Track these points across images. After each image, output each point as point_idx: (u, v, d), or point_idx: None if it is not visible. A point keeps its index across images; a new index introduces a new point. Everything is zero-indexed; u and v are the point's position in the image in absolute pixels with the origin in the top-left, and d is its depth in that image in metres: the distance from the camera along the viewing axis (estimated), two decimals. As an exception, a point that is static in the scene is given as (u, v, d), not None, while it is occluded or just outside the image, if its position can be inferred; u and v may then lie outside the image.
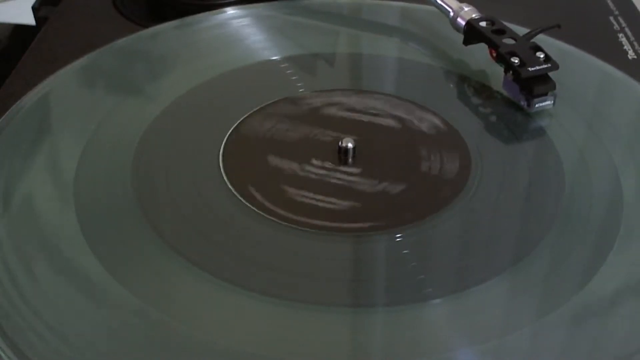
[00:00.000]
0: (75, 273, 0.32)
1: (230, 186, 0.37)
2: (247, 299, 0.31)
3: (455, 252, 0.34)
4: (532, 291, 0.32)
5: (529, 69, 0.41)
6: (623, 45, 0.50)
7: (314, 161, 0.38)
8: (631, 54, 0.49)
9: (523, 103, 0.42)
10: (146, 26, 0.49)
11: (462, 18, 0.45)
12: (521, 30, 0.44)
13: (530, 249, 0.33)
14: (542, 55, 0.41)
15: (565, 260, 0.33)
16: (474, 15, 0.45)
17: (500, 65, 0.42)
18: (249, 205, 0.35)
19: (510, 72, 0.42)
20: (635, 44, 0.50)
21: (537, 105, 0.41)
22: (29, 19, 0.54)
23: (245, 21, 0.50)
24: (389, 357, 0.30)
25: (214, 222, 0.35)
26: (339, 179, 0.38)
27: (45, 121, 0.41)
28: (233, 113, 0.41)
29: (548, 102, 0.41)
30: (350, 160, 0.38)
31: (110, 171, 0.37)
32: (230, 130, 0.40)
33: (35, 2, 0.53)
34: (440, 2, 0.47)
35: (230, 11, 0.51)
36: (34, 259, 0.33)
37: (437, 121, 0.41)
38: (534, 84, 0.41)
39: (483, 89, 0.44)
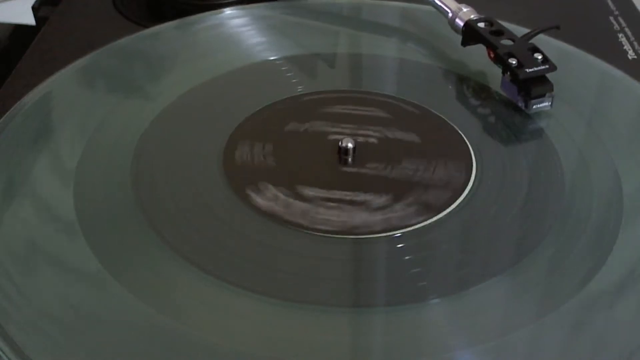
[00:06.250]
0: (75, 273, 0.32)
1: (230, 186, 0.37)
2: (247, 299, 0.31)
3: (455, 252, 0.34)
4: (532, 291, 0.32)
5: (527, 70, 0.41)
6: (623, 45, 0.50)
7: (314, 161, 0.38)
8: (631, 54, 0.49)
9: (521, 104, 0.42)
10: (146, 26, 0.50)
11: (461, 19, 0.45)
12: (520, 31, 0.44)
13: (530, 249, 0.33)
14: (540, 57, 0.41)
15: (565, 260, 0.33)
16: (472, 16, 0.45)
17: (498, 67, 0.42)
18: (249, 205, 0.35)
19: (508, 73, 0.42)
20: (635, 44, 0.50)
21: (534, 107, 0.41)
22: (29, 19, 0.54)
23: (244, 21, 0.50)
24: (389, 357, 0.30)
25: (214, 222, 0.35)
26: (338, 179, 0.38)
27: (45, 121, 0.41)
28: (233, 113, 0.41)
29: (546, 104, 0.41)
30: (350, 160, 0.38)
31: (110, 171, 0.37)
32: (230, 131, 0.40)
33: (35, 2, 0.53)
34: (438, 2, 0.47)
35: (230, 11, 0.51)
36: (34, 259, 0.33)
37: (436, 121, 0.41)
38: (532, 85, 0.41)
39: (482, 90, 0.44)
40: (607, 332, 0.30)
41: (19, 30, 0.56)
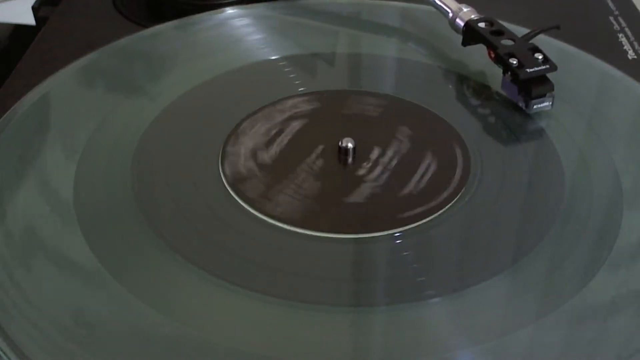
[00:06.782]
0: (75, 273, 0.32)
1: (229, 186, 0.37)
2: (247, 299, 0.31)
3: (455, 252, 0.34)
4: (532, 291, 0.32)
5: (527, 70, 0.41)
6: (623, 45, 0.50)
7: (314, 161, 0.38)
8: (631, 54, 0.49)
9: (521, 104, 0.42)
10: (146, 26, 0.50)
11: (461, 19, 0.45)
12: (520, 31, 0.44)
13: (530, 249, 0.33)
14: (540, 57, 0.41)
15: (565, 260, 0.33)
16: (472, 16, 0.45)
17: (499, 67, 0.42)
18: (248, 205, 0.35)
19: (509, 73, 0.42)
20: (635, 44, 0.50)
21: (535, 107, 0.41)
22: (29, 19, 0.54)
23: (244, 21, 0.50)
24: (388, 357, 0.30)
25: (214, 222, 0.35)
26: (338, 179, 0.38)
27: (45, 121, 0.41)
28: (233, 113, 0.41)
29: (546, 104, 0.41)
30: (350, 160, 0.38)
31: (110, 171, 0.37)
32: (230, 130, 0.40)
33: (35, 2, 0.53)
34: (439, 2, 0.47)
35: (230, 11, 0.51)
36: (34, 259, 0.33)
37: (436, 121, 0.41)
38: (532, 85, 0.41)
39: (483, 90, 0.44)
40: (607, 332, 0.30)
41: (19, 30, 0.56)
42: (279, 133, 0.40)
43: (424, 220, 0.35)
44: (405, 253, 0.33)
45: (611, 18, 0.53)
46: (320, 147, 0.39)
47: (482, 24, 0.44)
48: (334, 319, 0.31)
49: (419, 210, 0.35)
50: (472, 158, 0.39)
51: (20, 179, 0.37)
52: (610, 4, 0.55)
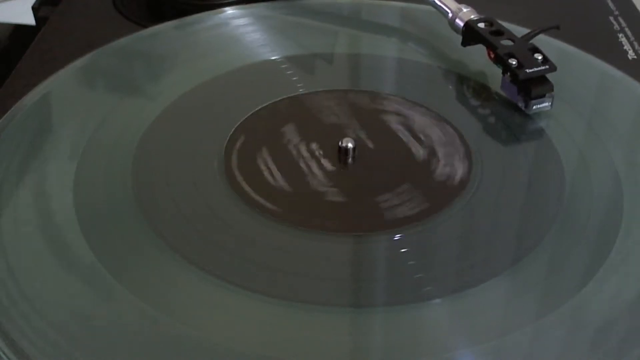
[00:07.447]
0: (75, 273, 0.32)
1: (230, 186, 0.37)
2: (247, 299, 0.31)
3: (455, 252, 0.34)
4: (531, 291, 0.32)
5: (527, 70, 0.41)
6: (623, 45, 0.50)
7: (314, 161, 0.38)
8: (631, 54, 0.49)
9: (521, 104, 0.42)
10: (146, 26, 0.50)
11: (461, 19, 0.45)
12: (520, 31, 0.44)
13: (530, 249, 0.33)
14: (540, 57, 0.41)
15: (565, 261, 0.33)
16: (472, 17, 0.45)
17: (498, 67, 0.42)
18: (248, 205, 0.35)
19: (508, 73, 0.42)
20: (635, 44, 0.50)
21: (534, 107, 0.41)
22: (29, 19, 0.54)
23: (245, 21, 0.50)
24: (388, 357, 0.30)
25: (214, 222, 0.35)
26: (338, 179, 0.38)
27: (45, 121, 0.41)
28: (233, 113, 0.41)
29: (546, 104, 0.41)
30: (350, 160, 0.38)
31: (110, 171, 0.37)
32: (230, 131, 0.40)
33: (35, 2, 0.53)
34: (438, 2, 0.47)
35: (230, 11, 0.51)
36: (34, 258, 0.33)
37: (436, 121, 0.41)
38: (532, 86, 0.41)
39: (483, 90, 0.44)
40: (606, 332, 0.30)
41: (19, 30, 0.56)
42: (278, 133, 0.40)
43: (425, 220, 0.35)
44: (405, 253, 0.33)
45: (611, 18, 0.53)
46: (320, 147, 0.39)
47: (481, 24, 0.44)
48: (334, 319, 0.31)
49: (419, 210, 0.35)
50: (472, 158, 0.39)
51: (20, 179, 0.37)
52: (610, 4, 0.55)
